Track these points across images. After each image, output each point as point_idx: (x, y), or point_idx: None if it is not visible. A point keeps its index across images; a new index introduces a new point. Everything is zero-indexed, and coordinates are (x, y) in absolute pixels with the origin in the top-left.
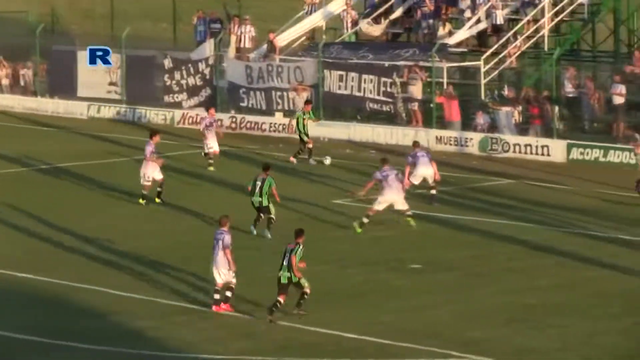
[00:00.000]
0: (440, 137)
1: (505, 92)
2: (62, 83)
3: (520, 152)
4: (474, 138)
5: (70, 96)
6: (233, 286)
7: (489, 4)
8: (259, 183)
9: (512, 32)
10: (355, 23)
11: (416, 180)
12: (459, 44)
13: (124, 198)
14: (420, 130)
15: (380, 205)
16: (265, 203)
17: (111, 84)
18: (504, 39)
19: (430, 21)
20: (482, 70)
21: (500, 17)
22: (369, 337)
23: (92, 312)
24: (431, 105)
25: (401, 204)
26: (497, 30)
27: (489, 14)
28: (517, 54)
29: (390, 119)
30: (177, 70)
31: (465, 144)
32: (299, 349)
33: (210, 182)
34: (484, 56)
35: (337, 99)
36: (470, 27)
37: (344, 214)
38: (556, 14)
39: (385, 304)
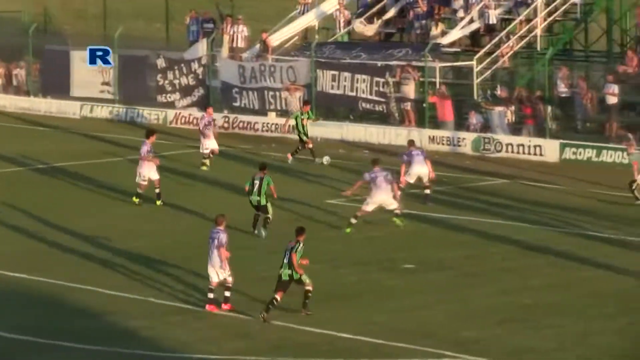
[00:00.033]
0: (433, 136)
1: (498, 91)
2: (55, 83)
3: (513, 152)
4: (467, 138)
5: (63, 96)
6: (230, 285)
7: (482, 3)
8: (256, 182)
9: (505, 32)
10: (348, 23)
11: (411, 179)
12: (452, 44)
13: (120, 198)
14: (413, 130)
15: (369, 206)
16: (263, 202)
17: (104, 83)
18: (496, 39)
19: (423, 21)
20: (475, 70)
21: (493, 17)
22: (363, 337)
23: (87, 312)
24: (424, 105)
25: (390, 205)
26: (490, 30)
27: (481, 14)
28: (510, 54)
29: (383, 118)
30: (170, 70)
31: (458, 143)
32: (293, 349)
33: (204, 182)
34: (477, 56)
35: (330, 99)
36: (463, 27)
37: (336, 214)
38: (549, 14)
39: (379, 304)
